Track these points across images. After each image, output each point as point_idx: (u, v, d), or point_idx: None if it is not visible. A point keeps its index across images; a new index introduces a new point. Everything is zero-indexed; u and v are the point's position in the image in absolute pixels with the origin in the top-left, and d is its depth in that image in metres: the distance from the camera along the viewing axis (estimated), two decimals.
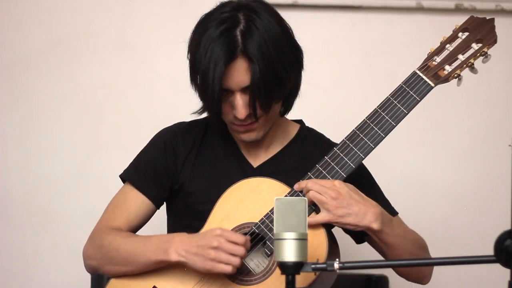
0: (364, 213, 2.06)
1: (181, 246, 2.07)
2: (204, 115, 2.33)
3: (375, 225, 2.06)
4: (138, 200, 2.28)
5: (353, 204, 2.06)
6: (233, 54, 2.07)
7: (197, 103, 2.31)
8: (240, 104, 2.12)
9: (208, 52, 2.08)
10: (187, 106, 2.58)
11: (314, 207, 2.08)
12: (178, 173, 2.28)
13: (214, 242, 2.02)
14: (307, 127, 2.39)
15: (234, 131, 2.23)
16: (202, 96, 2.17)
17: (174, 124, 2.37)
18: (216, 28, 2.10)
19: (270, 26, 2.11)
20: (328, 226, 2.11)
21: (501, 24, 2.17)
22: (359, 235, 2.24)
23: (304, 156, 2.29)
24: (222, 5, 2.17)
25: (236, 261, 2.02)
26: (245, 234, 2.11)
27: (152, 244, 2.11)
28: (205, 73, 2.09)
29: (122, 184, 2.33)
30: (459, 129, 3.10)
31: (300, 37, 2.20)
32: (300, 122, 2.39)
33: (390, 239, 2.12)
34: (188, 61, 2.19)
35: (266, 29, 2.10)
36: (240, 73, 2.09)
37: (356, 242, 2.28)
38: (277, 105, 2.19)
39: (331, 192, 2.05)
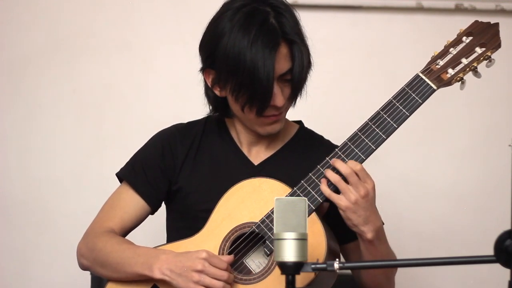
0: (368, 221, 2.08)
1: (165, 265, 2.08)
2: (202, 115, 2.34)
3: (369, 235, 2.09)
4: (133, 201, 2.28)
5: (367, 209, 2.07)
6: (277, 41, 2.11)
7: (197, 103, 2.31)
8: (279, 91, 2.15)
9: (253, 45, 2.09)
10: (187, 105, 2.59)
11: (314, 208, 2.09)
12: (177, 174, 2.28)
13: (199, 266, 2.04)
14: (307, 128, 2.39)
15: (259, 125, 2.22)
16: (252, 88, 2.12)
17: (172, 126, 2.37)
18: (250, 22, 2.12)
19: (290, 10, 2.17)
20: (326, 224, 2.11)
21: (501, 24, 2.16)
22: (346, 237, 2.24)
23: (304, 155, 2.29)
24: (230, 3, 2.18)
25: (220, 285, 2.04)
26: (245, 233, 2.12)
27: (140, 257, 2.13)
28: (254, 65, 2.09)
29: (120, 183, 2.33)
30: (459, 129, 3.10)
31: None
32: (299, 123, 2.39)
33: (374, 253, 2.13)
34: (214, 66, 2.18)
35: (289, 13, 2.17)
36: (281, 60, 2.13)
37: (340, 243, 2.27)
38: None
39: (362, 190, 2.06)
